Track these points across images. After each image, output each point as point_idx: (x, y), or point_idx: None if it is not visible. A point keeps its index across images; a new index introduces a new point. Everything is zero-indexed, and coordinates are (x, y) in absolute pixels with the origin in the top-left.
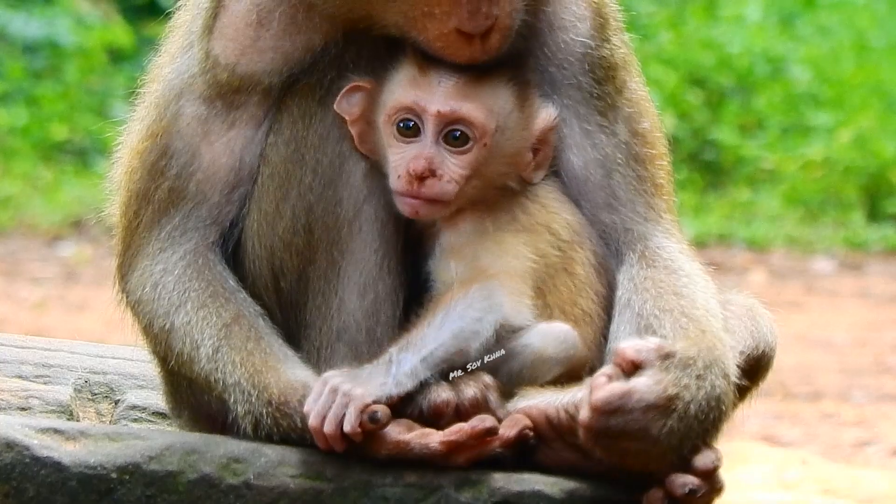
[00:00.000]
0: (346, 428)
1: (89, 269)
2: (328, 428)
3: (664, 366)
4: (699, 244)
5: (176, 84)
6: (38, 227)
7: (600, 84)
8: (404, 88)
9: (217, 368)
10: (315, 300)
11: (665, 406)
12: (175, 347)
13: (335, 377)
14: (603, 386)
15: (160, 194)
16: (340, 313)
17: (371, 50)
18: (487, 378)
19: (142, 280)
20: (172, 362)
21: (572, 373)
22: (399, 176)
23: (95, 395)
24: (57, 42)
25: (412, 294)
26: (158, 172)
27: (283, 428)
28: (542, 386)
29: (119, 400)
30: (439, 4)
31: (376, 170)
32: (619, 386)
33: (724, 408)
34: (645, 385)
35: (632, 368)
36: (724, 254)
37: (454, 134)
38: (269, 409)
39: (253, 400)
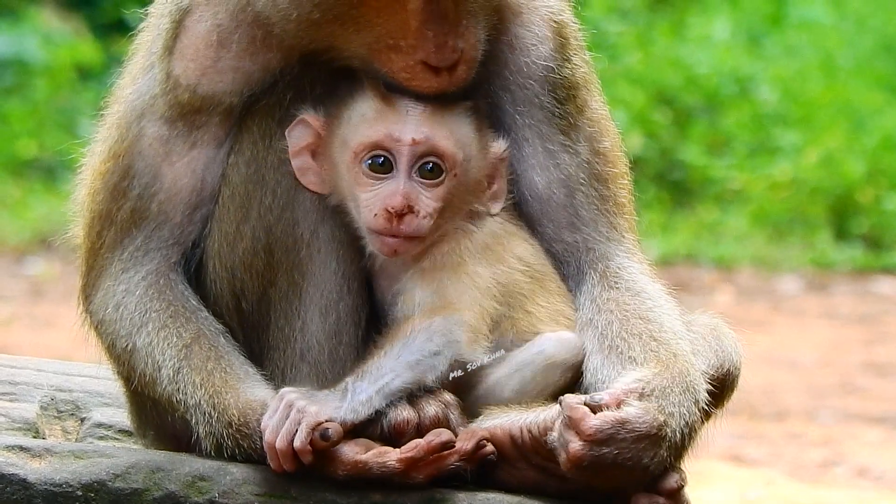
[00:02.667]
0: (296, 444)
1: (56, 286)
2: (280, 443)
3: (646, 395)
4: (666, 263)
5: (137, 105)
6: (5, 244)
7: (562, 104)
8: (370, 124)
9: (179, 389)
10: (277, 322)
11: (655, 435)
12: (138, 368)
13: (291, 393)
14: (590, 415)
15: (122, 215)
16: (303, 335)
17: (329, 72)
18: (448, 396)
19: (105, 300)
20: (136, 383)
21: (575, 379)
22: (375, 214)
23: (61, 412)
24: (25, 59)
25: (375, 313)
26: (121, 193)
27: (244, 448)
28: (507, 406)
29: (85, 417)
30: (405, 37)
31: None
32: (611, 415)
33: (694, 434)
34: (635, 414)
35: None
36: (690, 273)
37: (427, 166)
38: (230, 431)
39: (213, 422)
